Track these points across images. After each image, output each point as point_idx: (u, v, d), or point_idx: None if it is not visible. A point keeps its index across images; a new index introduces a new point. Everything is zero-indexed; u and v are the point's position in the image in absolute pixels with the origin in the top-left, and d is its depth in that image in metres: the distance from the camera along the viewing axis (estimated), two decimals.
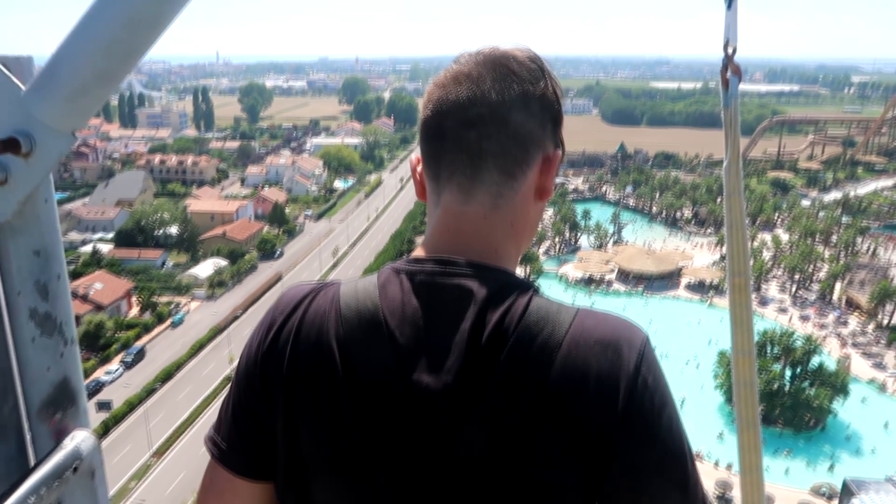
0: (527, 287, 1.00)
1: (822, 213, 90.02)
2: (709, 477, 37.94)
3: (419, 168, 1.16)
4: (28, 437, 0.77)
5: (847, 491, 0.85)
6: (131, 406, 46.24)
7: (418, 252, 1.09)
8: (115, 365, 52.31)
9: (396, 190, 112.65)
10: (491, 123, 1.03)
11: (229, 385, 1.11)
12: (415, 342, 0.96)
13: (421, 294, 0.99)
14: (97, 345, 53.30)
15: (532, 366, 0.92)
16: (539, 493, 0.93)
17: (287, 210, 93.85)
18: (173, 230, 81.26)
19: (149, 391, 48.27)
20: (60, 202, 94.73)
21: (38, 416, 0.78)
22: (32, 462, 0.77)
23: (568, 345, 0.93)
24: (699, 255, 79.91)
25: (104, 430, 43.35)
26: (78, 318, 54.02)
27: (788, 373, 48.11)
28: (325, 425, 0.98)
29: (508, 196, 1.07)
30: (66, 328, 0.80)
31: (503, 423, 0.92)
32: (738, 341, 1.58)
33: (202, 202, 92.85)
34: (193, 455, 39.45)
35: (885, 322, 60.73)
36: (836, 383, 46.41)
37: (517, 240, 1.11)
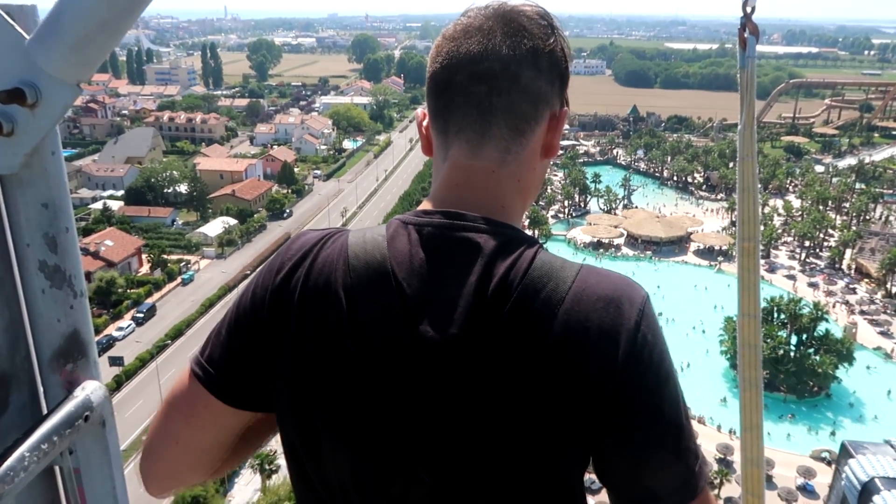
0: (532, 242, 1.02)
1: (835, 180, 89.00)
2: (711, 440, 38.42)
3: (425, 123, 1.15)
4: (40, 387, 0.79)
5: (845, 453, 0.91)
6: (143, 362, 47.01)
7: (425, 205, 1.09)
8: (126, 321, 53.01)
9: (406, 151, 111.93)
10: (502, 78, 1.03)
11: (222, 319, 1.12)
12: (421, 294, 0.97)
13: (428, 247, 1.00)
14: (109, 301, 53.94)
15: (535, 320, 0.94)
16: (538, 443, 0.95)
17: (296, 170, 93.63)
18: (183, 188, 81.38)
19: (160, 347, 48.99)
20: (70, 158, 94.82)
21: (49, 366, 0.79)
22: (45, 411, 0.78)
23: (571, 300, 0.95)
24: (709, 220, 79.45)
25: (116, 385, 44.18)
26: (89, 275, 54.56)
27: (794, 339, 48.22)
28: (332, 370, 0.99)
29: (516, 152, 1.07)
30: (76, 281, 0.80)
31: (506, 375, 0.93)
32: (745, 304, 1.60)
33: (211, 161, 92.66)
34: None
35: (894, 290, 60.50)
36: (842, 350, 46.52)
37: (523, 196, 1.12)
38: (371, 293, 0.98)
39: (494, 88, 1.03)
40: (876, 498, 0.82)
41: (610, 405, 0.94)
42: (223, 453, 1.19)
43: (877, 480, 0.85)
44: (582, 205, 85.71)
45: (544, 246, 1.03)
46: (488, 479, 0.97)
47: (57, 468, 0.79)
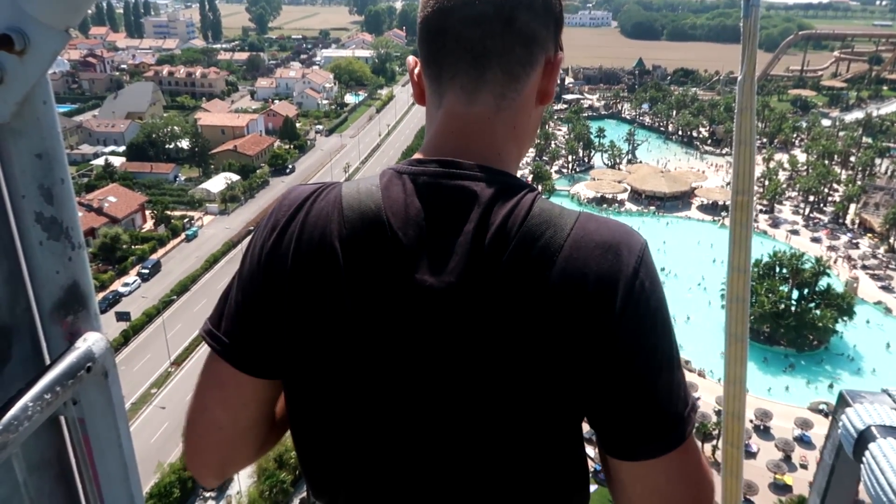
0: (530, 189, 1.01)
1: (842, 134, 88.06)
2: (711, 393, 38.99)
3: (417, 70, 1.12)
4: (42, 339, 0.80)
5: (842, 402, 0.92)
6: (149, 317, 47.53)
7: (420, 154, 1.07)
8: (132, 277, 53.40)
9: (408, 105, 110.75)
10: (496, 22, 1.00)
11: (230, 282, 1.12)
12: (418, 243, 0.96)
13: (424, 196, 0.99)
14: (114, 257, 54.25)
15: (534, 267, 0.93)
16: (536, 388, 0.96)
17: (298, 125, 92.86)
18: (184, 144, 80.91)
19: (166, 303, 49.48)
20: (70, 114, 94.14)
21: (50, 318, 0.80)
22: (48, 363, 0.79)
23: (569, 247, 0.94)
24: (714, 175, 78.99)
25: (124, 340, 44.79)
26: (93, 231, 54.79)
27: (796, 294, 48.49)
28: (329, 323, 0.99)
29: (512, 98, 1.05)
30: (73, 232, 0.80)
31: (504, 322, 0.93)
32: (735, 258, 1.61)
33: (212, 116, 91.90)
34: None
35: None
36: (842, 305, 46.81)
37: (519, 143, 1.10)
38: (367, 244, 0.97)
39: (488, 32, 1.01)
40: (872, 445, 0.83)
41: (606, 351, 0.95)
42: (269, 425, 1.17)
43: (873, 428, 0.85)
44: (586, 160, 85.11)
45: (542, 194, 1.03)
46: (489, 425, 0.98)
47: (62, 419, 0.81)
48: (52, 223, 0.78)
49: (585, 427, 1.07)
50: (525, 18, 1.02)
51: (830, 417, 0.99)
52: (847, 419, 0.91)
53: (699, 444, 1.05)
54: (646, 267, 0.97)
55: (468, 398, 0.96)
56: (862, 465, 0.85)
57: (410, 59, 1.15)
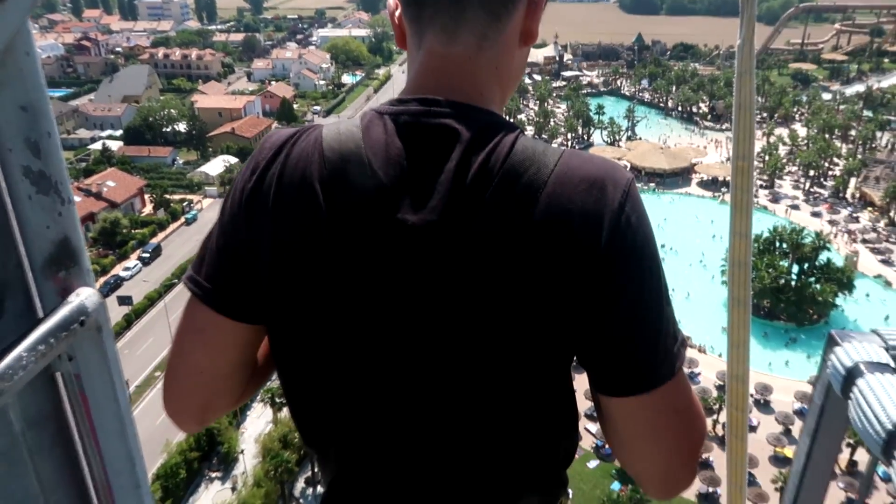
0: (512, 128, 0.99)
1: (842, 107, 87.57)
2: (711, 368, 39.22)
3: (398, 13, 1.11)
4: (35, 294, 0.80)
5: (831, 342, 0.93)
6: (151, 301, 47.67)
7: (402, 95, 1.06)
8: (132, 261, 53.46)
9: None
10: None
11: (211, 229, 1.10)
12: (399, 182, 0.95)
13: (405, 135, 0.98)
14: (114, 242, 54.28)
15: (517, 204, 0.92)
16: (523, 326, 0.95)
17: (295, 106, 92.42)
18: (181, 127, 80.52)
19: (167, 286, 49.56)
20: (66, 98, 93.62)
21: (42, 273, 0.80)
22: (41, 316, 0.79)
23: (553, 183, 0.93)
24: (714, 151, 78.67)
25: (127, 324, 44.98)
26: (93, 216, 54.75)
27: (796, 269, 48.56)
28: (311, 264, 0.98)
29: (493, 38, 1.03)
30: (62, 187, 0.80)
31: (489, 259, 0.92)
32: (737, 223, 1.61)
33: (209, 98, 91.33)
34: None
35: None
36: (843, 279, 46.89)
37: (502, 84, 1.09)
38: (347, 184, 0.96)
39: None
40: (859, 381, 0.83)
41: (593, 287, 0.94)
42: (249, 372, 1.17)
43: (861, 365, 0.85)
44: (585, 137, 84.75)
45: (525, 131, 1.01)
46: (475, 364, 0.97)
47: (59, 376, 0.81)
48: (40, 177, 0.77)
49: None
50: None
51: (820, 358, 0.98)
52: (836, 357, 0.91)
53: (687, 378, 1.04)
54: (632, 202, 0.96)
55: (453, 337, 0.96)
56: (850, 402, 0.85)
57: (391, 1, 1.14)
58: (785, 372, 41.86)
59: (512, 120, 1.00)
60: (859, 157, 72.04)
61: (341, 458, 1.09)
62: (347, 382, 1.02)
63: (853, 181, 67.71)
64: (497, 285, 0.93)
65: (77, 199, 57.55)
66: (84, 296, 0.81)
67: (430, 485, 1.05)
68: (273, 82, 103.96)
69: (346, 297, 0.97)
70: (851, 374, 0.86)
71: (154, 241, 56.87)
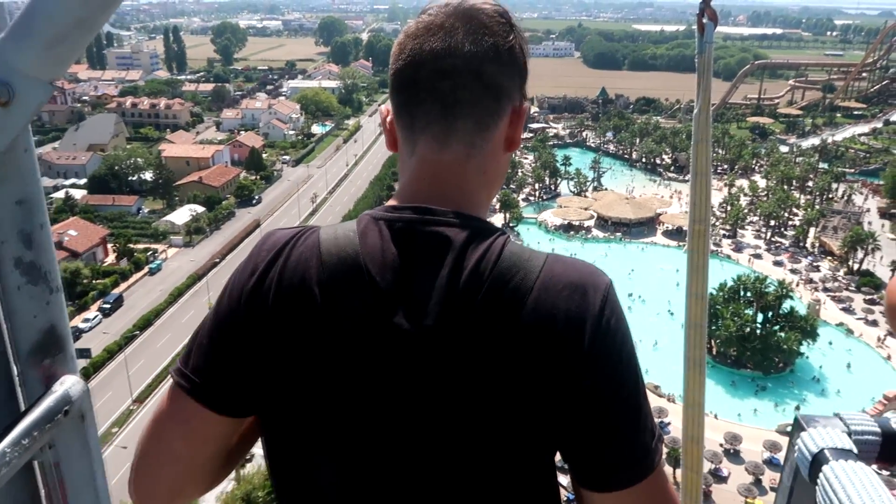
0: (500, 234, 1.06)
1: (799, 159, 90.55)
2: (679, 417, 39.00)
3: (389, 119, 1.19)
4: (18, 383, 0.79)
5: (798, 426, 0.99)
6: (111, 353, 46.26)
7: (394, 201, 1.12)
8: (93, 312, 52.06)
9: (375, 135, 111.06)
10: (465, 74, 1.07)
11: (201, 324, 1.13)
12: (395, 287, 1.00)
13: (400, 241, 1.03)
14: (74, 292, 52.83)
15: (505, 309, 0.98)
16: (510, 426, 1.00)
17: (264, 155, 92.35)
18: (148, 176, 79.80)
19: (128, 338, 48.24)
20: None
21: (26, 362, 0.79)
22: (23, 407, 0.78)
23: (538, 289, 0.99)
24: (677, 201, 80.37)
25: (84, 378, 43.24)
26: None
27: (760, 317, 49.20)
28: (308, 366, 1.02)
29: (481, 146, 1.11)
30: (51, 276, 0.80)
31: (479, 362, 0.98)
32: (694, 285, 1.69)
33: (177, 147, 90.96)
34: None
35: (856, 267, 62.02)
36: (806, 327, 47.61)
37: (488, 188, 1.16)
38: (345, 288, 1.00)
39: (458, 84, 1.07)
40: (825, 468, 0.87)
41: (576, 387, 0.99)
42: (224, 461, 1.19)
43: (826, 451, 0.90)
44: (552, 187, 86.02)
45: (511, 237, 1.08)
46: (465, 463, 1.01)
47: (36, 463, 0.80)
48: (31, 268, 0.78)
49: (558, 456, 1.09)
50: (493, 71, 1.08)
51: (788, 441, 1.04)
52: (802, 443, 0.95)
53: (669, 469, 1.09)
54: (611, 305, 1.02)
55: (444, 437, 1.00)
56: (817, 487, 0.89)
57: (383, 108, 1.21)
58: (753, 420, 41.93)
59: None
60: (817, 207, 74.18)
61: None
62: (338, 479, 1.05)
63: (812, 231, 69.54)
64: (486, 387, 0.98)
65: (56, 257, 55.92)
66: (68, 384, 0.80)
67: None
68: (242, 132, 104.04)
69: (341, 398, 1.01)
70: (818, 461, 0.91)
71: (116, 291, 55.54)
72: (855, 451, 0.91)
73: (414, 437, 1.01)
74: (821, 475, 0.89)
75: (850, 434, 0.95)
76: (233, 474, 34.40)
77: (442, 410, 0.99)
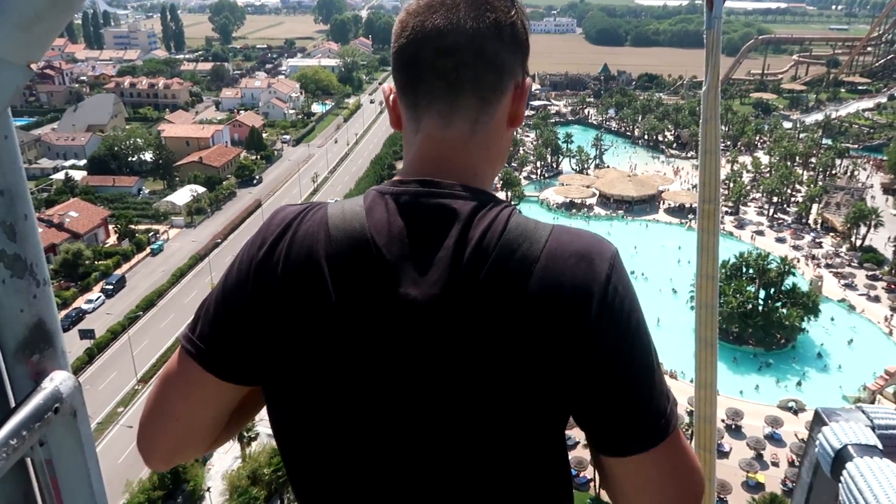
0: (506, 206, 1.07)
1: (803, 135, 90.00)
2: (682, 394, 39.21)
3: (393, 97, 1.20)
4: (7, 380, 0.77)
5: (818, 420, 0.95)
6: (114, 334, 46.46)
7: (400, 176, 1.14)
8: (95, 293, 52.20)
9: (376, 114, 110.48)
10: (467, 51, 1.07)
11: (209, 295, 1.16)
12: (401, 259, 1.01)
13: (406, 214, 1.04)
14: (76, 273, 52.98)
15: (512, 278, 0.99)
16: (519, 395, 1.01)
17: (264, 135, 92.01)
18: (148, 156, 79.60)
19: (131, 319, 48.40)
20: (28, 127, 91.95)
21: (14, 358, 0.78)
22: (13, 405, 0.77)
23: (545, 258, 1.00)
24: (677, 178, 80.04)
25: (89, 358, 43.66)
26: (54, 247, 53.44)
27: (763, 294, 49.22)
28: (316, 335, 1.03)
29: (485, 122, 1.12)
30: (38, 269, 0.78)
31: (486, 331, 0.99)
32: (704, 265, 1.68)
33: (176, 127, 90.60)
34: None
35: (858, 243, 61.90)
36: (808, 303, 47.65)
37: (492, 164, 1.18)
38: (352, 260, 1.02)
39: (461, 61, 1.07)
40: (849, 465, 0.84)
41: (586, 355, 1.00)
42: (222, 425, 1.23)
43: (850, 447, 0.87)
44: (554, 165, 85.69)
45: (518, 208, 1.09)
46: (474, 431, 1.02)
47: (28, 460, 0.79)
48: (15, 260, 0.76)
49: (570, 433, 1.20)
50: (494, 48, 1.09)
51: (807, 435, 1.00)
52: (824, 438, 0.93)
53: (683, 435, 1.09)
54: (617, 273, 1.03)
55: (453, 407, 1.01)
56: (840, 485, 0.87)
57: (385, 86, 1.22)
58: (755, 396, 42.15)
59: None
60: (820, 183, 73.86)
61: None
62: (346, 449, 1.07)
63: (815, 207, 69.32)
64: (494, 355, 0.99)
65: (38, 229, 55.90)
66: (58, 380, 0.78)
67: None
68: (242, 111, 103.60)
69: (349, 367, 1.03)
70: (841, 457, 0.88)
71: (118, 272, 55.67)
72: (880, 446, 0.89)
73: (421, 407, 1.02)
74: (845, 472, 0.86)
75: (873, 428, 0.93)
76: (237, 452, 34.72)
77: (449, 380, 1.00)
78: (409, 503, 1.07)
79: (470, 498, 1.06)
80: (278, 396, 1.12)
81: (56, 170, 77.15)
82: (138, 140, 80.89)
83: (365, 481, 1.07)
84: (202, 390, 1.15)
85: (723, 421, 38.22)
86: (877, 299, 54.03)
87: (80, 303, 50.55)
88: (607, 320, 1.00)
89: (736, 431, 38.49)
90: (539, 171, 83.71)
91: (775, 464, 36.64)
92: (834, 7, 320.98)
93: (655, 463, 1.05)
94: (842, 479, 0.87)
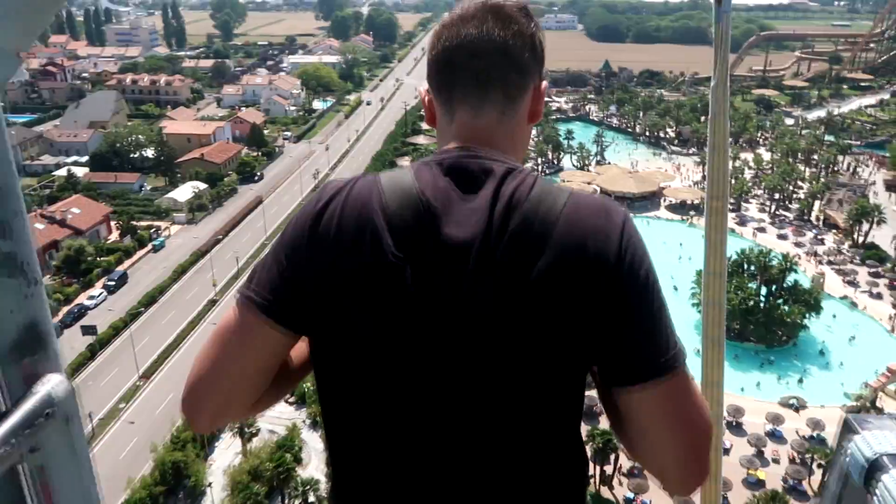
0: (533, 172, 1.25)
1: (805, 132, 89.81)
2: None
3: (428, 98, 1.38)
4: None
5: (848, 428, 0.92)
6: (116, 330, 46.48)
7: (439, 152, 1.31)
8: (97, 290, 52.23)
9: (377, 110, 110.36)
10: (495, 54, 1.27)
11: (264, 256, 1.28)
12: (445, 206, 1.17)
13: (449, 172, 1.21)
14: (78, 270, 53.02)
15: (541, 224, 1.14)
16: (545, 334, 1.14)
17: (265, 132, 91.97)
18: (149, 153, 79.59)
19: (133, 315, 48.43)
20: (30, 124, 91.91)
21: (5, 360, 0.76)
22: (3, 409, 0.75)
23: (568, 209, 1.16)
24: (678, 174, 79.92)
25: (90, 354, 43.73)
26: (56, 244, 53.50)
27: (764, 290, 49.16)
28: (370, 276, 1.16)
29: (510, 115, 1.31)
30: (30, 268, 0.77)
31: (517, 272, 1.13)
32: (711, 263, 1.69)
33: (178, 124, 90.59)
34: (181, 377, 39.45)
35: (861, 240, 61.80)
36: (810, 300, 47.60)
37: (515, 152, 1.34)
38: (403, 209, 1.17)
39: (490, 63, 1.27)
40: (885, 477, 0.81)
41: (608, 289, 1.14)
42: (267, 384, 1.30)
43: (884, 458, 0.84)
44: (555, 162, 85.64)
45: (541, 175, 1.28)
46: (509, 367, 1.15)
47: (20, 467, 0.77)
48: (7, 259, 0.75)
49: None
50: (517, 52, 1.28)
51: (836, 444, 0.97)
52: (856, 447, 0.90)
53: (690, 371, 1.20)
54: (630, 224, 1.19)
55: (491, 339, 1.14)
56: (875, 497, 0.84)
57: (422, 89, 1.41)
58: (756, 393, 42.11)
59: None
60: (822, 180, 73.71)
61: (368, 467, 1.25)
62: (390, 388, 1.18)
63: (817, 204, 69.21)
64: (528, 288, 1.13)
65: (40, 226, 56.21)
66: (51, 384, 0.76)
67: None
68: (243, 108, 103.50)
69: (398, 300, 1.15)
70: (875, 467, 0.86)
71: (120, 268, 55.71)
72: None
73: (462, 342, 1.14)
74: (880, 484, 0.84)
75: None
76: (238, 447, 34.79)
77: (488, 313, 1.13)
78: (447, 444, 1.18)
79: (504, 441, 1.18)
80: (327, 340, 1.23)
81: (58, 166, 77.12)
82: (140, 137, 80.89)
83: (405, 419, 1.18)
84: (255, 339, 1.23)
85: (723, 418, 38.23)
86: (879, 296, 53.96)
87: (82, 299, 50.59)
88: (624, 263, 1.14)
89: (737, 428, 38.48)
90: (540, 168, 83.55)
91: (776, 461, 36.66)
92: (836, 3, 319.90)
93: (669, 392, 1.16)
94: (877, 491, 0.84)
